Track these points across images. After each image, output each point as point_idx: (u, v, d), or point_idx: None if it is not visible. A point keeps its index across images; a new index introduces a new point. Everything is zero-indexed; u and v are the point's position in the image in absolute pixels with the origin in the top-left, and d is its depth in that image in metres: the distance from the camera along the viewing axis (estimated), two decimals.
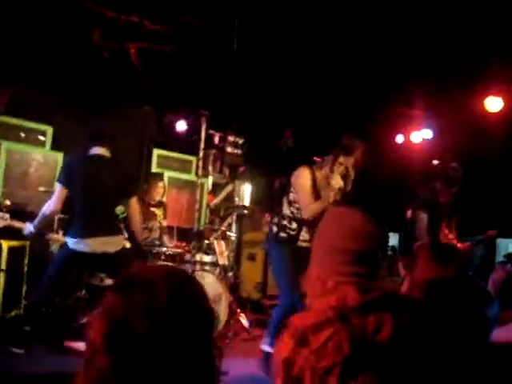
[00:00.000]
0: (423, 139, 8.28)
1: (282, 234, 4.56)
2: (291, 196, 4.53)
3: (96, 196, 4.41)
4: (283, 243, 4.53)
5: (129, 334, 1.11)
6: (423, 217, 5.49)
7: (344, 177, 4.39)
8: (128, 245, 4.89)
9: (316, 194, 4.41)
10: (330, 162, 4.44)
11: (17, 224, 4.64)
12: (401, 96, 7.44)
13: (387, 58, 6.49)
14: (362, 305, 1.55)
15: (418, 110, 8.08)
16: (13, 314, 5.05)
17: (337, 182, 4.35)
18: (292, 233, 4.53)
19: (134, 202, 4.66)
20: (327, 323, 1.50)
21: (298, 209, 4.50)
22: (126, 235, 5.00)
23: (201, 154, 3.63)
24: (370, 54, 6.41)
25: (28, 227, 4.52)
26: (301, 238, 4.54)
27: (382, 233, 1.82)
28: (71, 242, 4.38)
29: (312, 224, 4.30)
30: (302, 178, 4.44)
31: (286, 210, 4.58)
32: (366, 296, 1.57)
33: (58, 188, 4.41)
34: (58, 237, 4.91)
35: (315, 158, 7.70)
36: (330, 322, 1.50)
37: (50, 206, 4.39)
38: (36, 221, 4.47)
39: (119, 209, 5.04)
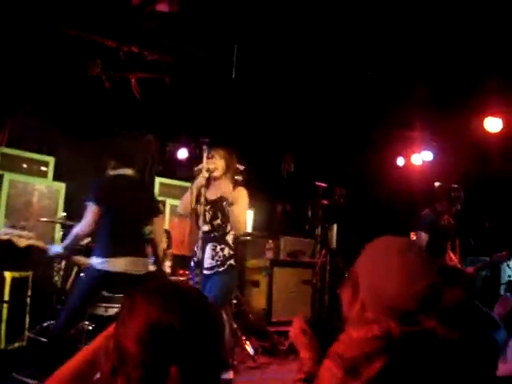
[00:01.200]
0: (423, 161, 8.30)
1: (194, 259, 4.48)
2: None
3: (126, 215, 4.37)
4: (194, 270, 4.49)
5: (165, 336, 1.15)
6: (424, 237, 5.53)
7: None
8: (152, 268, 4.86)
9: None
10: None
11: (41, 244, 4.54)
12: (400, 119, 7.47)
13: (384, 81, 6.54)
14: (404, 337, 1.52)
15: (417, 132, 8.11)
16: (16, 345, 5.02)
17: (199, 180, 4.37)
18: (196, 258, 4.45)
19: (159, 220, 4.80)
20: (377, 354, 1.47)
21: (198, 224, 4.37)
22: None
23: (203, 181, 3.75)
24: (367, 77, 6.46)
25: (54, 248, 4.48)
26: (204, 264, 4.40)
27: None
28: (98, 262, 4.27)
29: (217, 241, 4.46)
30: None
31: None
32: (408, 328, 1.53)
33: (90, 208, 4.31)
34: (81, 259, 4.77)
35: (317, 184, 7.74)
36: (379, 353, 1.48)
37: (82, 226, 4.31)
38: (67, 242, 4.40)
39: (148, 228, 5.02)
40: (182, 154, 7.92)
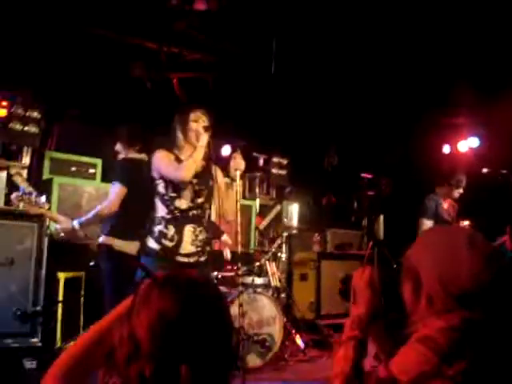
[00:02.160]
0: (470, 148, 8.13)
1: (154, 245, 3.54)
2: (159, 187, 3.61)
3: (144, 199, 4.14)
4: (154, 258, 3.50)
5: (176, 328, 1.15)
6: (427, 224, 5.62)
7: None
8: None
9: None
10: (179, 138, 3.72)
11: (53, 215, 4.46)
12: (445, 105, 7.34)
13: (429, 68, 6.43)
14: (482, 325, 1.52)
15: (463, 119, 7.96)
16: (71, 344, 5.15)
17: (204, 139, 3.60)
18: (168, 244, 3.53)
19: None
20: (462, 346, 1.48)
21: (172, 198, 3.56)
22: None
23: (239, 180, 3.56)
24: (412, 64, 6.37)
25: (71, 222, 4.22)
26: (182, 250, 3.55)
27: None
28: (119, 244, 4.25)
29: (198, 222, 3.59)
30: (161, 154, 3.65)
31: (160, 211, 3.59)
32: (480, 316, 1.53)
33: (116, 188, 4.22)
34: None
35: (362, 175, 7.67)
36: (464, 345, 1.48)
37: (108, 206, 4.20)
38: (85, 218, 4.24)
39: None
40: (226, 150, 7.97)
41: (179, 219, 3.55)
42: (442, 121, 7.98)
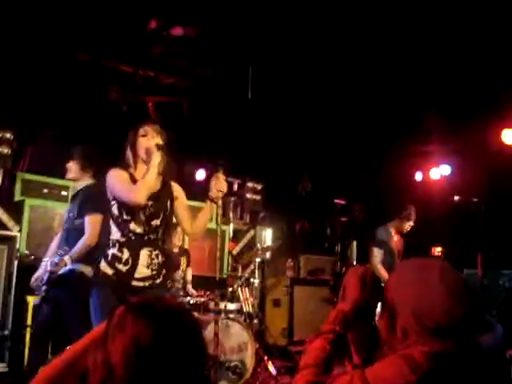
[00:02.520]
0: (442, 175, 8.25)
1: (108, 270, 3.29)
2: (113, 208, 3.35)
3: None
4: (107, 283, 3.27)
5: (150, 354, 1.15)
6: (376, 252, 5.86)
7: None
8: None
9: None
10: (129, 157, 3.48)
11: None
12: (417, 133, 7.47)
13: (402, 96, 6.55)
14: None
15: (435, 146, 8.09)
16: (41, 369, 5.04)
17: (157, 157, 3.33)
18: (122, 268, 3.29)
19: None
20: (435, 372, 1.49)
21: (126, 221, 3.32)
22: None
23: (220, 201, 3.46)
24: (383, 94, 6.48)
25: (57, 258, 4.16)
26: (136, 274, 3.31)
27: None
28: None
29: (154, 246, 3.38)
30: (115, 173, 3.39)
31: (115, 233, 3.34)
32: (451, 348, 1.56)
33: (96, 218, 4.14)
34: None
35: (336, 201, 7.73)
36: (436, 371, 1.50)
37: (92, 238, 4.11)
38: (75, 254, 4.12)
39: None
40: (200, 174, 7.97)
41: (134, 243, 3.33)
42: (413, 148, 8.11)
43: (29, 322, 5.19)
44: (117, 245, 3.31)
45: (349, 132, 7.43)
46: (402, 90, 6.38)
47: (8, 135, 5.72)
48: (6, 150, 5.71)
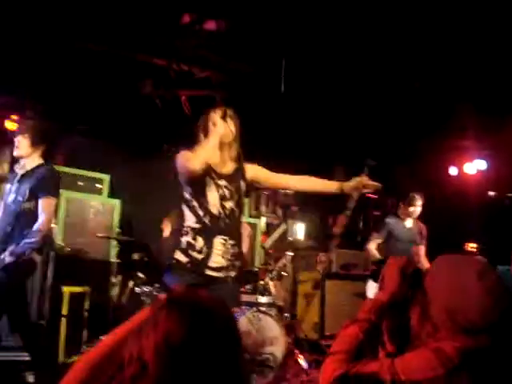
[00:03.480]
0: (477, 170, 8.13)
1: (182, 258, 3.23)
2: (185, 193, 3.30)
3: None
4: (182, 272, 3.21)
5: (181, 352, 1.13)
6: (375, 236, 6.08)
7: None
8: None
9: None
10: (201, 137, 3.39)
11: None
12: (452, 128, 7.36)
13: (436, 91, 6.46)
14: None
15: (470, 141, 7.97)
16: (74, 359, 5.15)
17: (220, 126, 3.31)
18: (197, 256, 3.22)
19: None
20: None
21: (200, 203, 3.23)
22: None
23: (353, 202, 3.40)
24: (419, 87, 6.41)
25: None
26: (211, 263, 3.23)
27: None
28: None
29: (229, 234, 3.27)
30: (180, 154, 3.34)
31: (189, 220, 3.26)
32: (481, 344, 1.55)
33: (51, 202, 4.02)
34: None
35: (369, 195, 7.68)
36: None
37: (47, 223, 4.00)
38: (33, 243, 3.91)
39: None
40: None
41: (209, 228, 3.23)
42: (448, 143, 8.00)
43: (64, 311, 5.30)
44: (191, 232, 3.23)
45: (382, 125, 7.36)
46: (437, 84, 6.30)
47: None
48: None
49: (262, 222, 7.79)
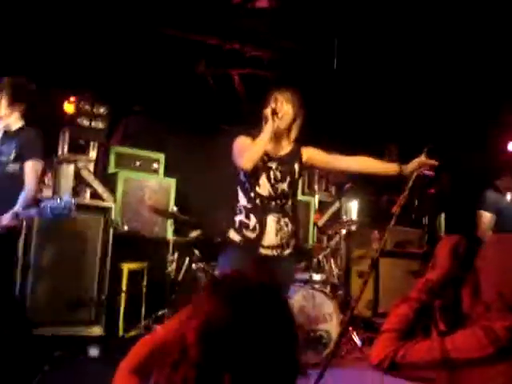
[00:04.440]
0: None
1: (236, 237, 3.31)
2: (240, 175, 3.35)
3: None
4: (236, 250, 3.28)
5: (221, 335, 1.08)
6: (487, 218, 5.23)
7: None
8: None
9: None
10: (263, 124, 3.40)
11: None
12: (509, 102, 7.14)
13: (497, 66, 6.28)
14: None
15: None
16: (133, 333, 5.32)
17: (269, 124, 3.31)
18: (250, 235, 3.28)
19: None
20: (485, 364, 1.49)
21: (252, 185, 3.29)
22: None
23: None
24: (479, 64, 6.24)
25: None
26: (264, 242, 3.28)
27: None
28: None
29: (282, 212, 3.31)
30: (237, 140, 3.42)
31: (242, 200, 3.34)
32: None
33: (38, 165, 3.82)
34: None
35: (423, 172, 7.53)
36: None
37: (35, 188, 3.79)
38: (20, 208, 3.65)
39: None
40: None
41: (260, 208, 3.27)
42: (505, 118, 7.77)
43: (124, 287, 5.47)
44: (244, 211, 3.29)
45: (436, 102, 7.21)
46: (499, 60, 6.11)
47: (102, 110, 5.94)
48: (100, 125, 5.94)
49: (316, 199, 7.78)
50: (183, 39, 6.16)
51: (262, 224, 3.25)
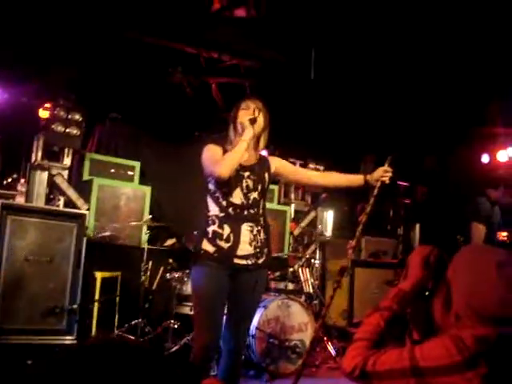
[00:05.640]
0: (510, 158, 7.99)
1: (209, 247, 3.21)
2: (210, 184, 3.29)
3: None
4: (210, 261, 3.18)
5: None
6: (479, 227, 5.24)
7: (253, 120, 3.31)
8: None
9: None
10: (231, 132, 3.43)
11: None
12: (484, 115, 7.26)
13: (468, 79, 6.37)
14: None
15: (502, 129, 7.84)
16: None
17: (248, 132, 3.28)
18: (224, 245, 3.20)
19: None
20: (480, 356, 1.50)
21: (224, 194, 3.22)
22: None
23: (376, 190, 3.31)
24: (450, 73, 6.32)
25: None
26: (239, 252, 3.22)
27: None
28: None
29: (255, 221, 3.28)
30: (207, 147, 3.33)
31: (213, 209, 3.27)
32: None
33: None
34: None
35: (398, 182, 7.61)
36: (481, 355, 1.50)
37: None
38: None
39: None
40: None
41: (234, 217, 3.21)
42: (480, 130, 7.89)
43: (97, 296, 5.41)
44: (217, 221, 3.22)
45: (412, 114, 7.29)
46: (469, 73, 6.20)
47: (77, 117, 5.89)
48: (75, 131, 5.89)
49: (292, 209, 7.80)
50: (160, 47, 6.15)
51: (236, 233, 3.20)
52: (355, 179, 3.58)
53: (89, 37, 5.77)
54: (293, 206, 7.90)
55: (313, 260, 6.66)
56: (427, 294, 1.73)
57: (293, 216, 7.81)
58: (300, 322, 5.32)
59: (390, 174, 3.45)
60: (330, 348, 5.77)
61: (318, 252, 7.10)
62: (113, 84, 6.35)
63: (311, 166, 8.13)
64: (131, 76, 6.32)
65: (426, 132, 7.71)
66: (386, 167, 3.47)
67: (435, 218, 8.21)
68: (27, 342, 4.86)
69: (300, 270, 6.21)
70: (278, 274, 5.95)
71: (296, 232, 7.82)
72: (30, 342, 4.89)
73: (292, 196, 8.13)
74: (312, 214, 8.16)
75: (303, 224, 8.08)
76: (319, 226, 7.75)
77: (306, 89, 6.47)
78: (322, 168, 8.24)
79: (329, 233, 7.70)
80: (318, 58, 5.96)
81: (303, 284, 6.12)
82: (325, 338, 5.84)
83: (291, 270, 6.10)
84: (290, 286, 5.84)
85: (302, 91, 6.61)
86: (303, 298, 5.94)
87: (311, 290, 6.26)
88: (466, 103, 6.86)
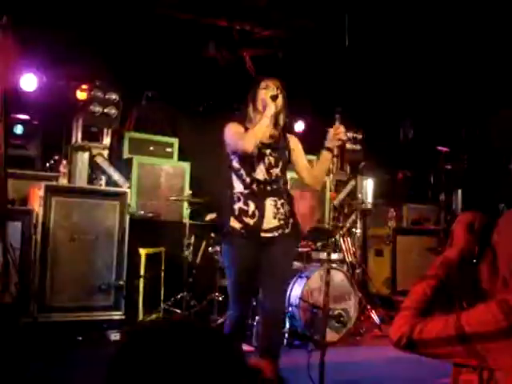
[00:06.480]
0: None
1: (236, 225, 3.36)
2: (234, 162, 3.42)
3: None
4: (238, 238, 3.35)
5: None
6: None
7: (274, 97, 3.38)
8: None
9: None
10: (250, 110, 3.50)
11: None
12: None
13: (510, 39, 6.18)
14: None
15: None
16: (153, 316, 5.38)
17: (270, 108, 3.36)
18: (250, 221, 3.35)
19: None
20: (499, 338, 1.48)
21: (248, 171, 3.36)
22: None
23: (336, 150, 3.32)
24: (492, 34, 6.14)
25: None
26: (264, 226, 3.37)
27: None
28: None
29: (278, 196, 3.39)
30: (230, 126, 3.47)
31: (237, 186, 3.41)
32: None
33: None
34: None
35: (439, 149, 7.48)
36: None
37: None
38: None
39: None
40: (299, 126, 7.96)
41: (258, 193, 3.35)
42: None
43: (142, 272, 5.51)
44: (242, 198, 3.36)
45: (454, 77, 7.12)
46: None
47: (114, 97, 5.94)
48: (112, 111, 5.94)
49: (331, 179, 7.76)
50: (193, 22, 6.13)
51: (261, 209, 3.34)
52: (322, 157, 3.65)
53: (123, 17, 5.79)
54: (332, 176, 7.85)
55: (354, 229, 6.64)
56: (474, 261, 1.71)
57: (332, 186, 7.76)
58: (343, 292, 5.34)
59: (342, 129, 3.53)
60: (374, 316, 5.78)
61: (358, 221, 7.07)
62: (147, 62, 6.37)
63: (349, 134, 8.05)
64: (165, 53, 6.33)
65: (467, 95, 7.53)
66: (336, 125, 3.54)
67: (477, 183, 8.05)
68: (77, 319, 5.01)
69: (341, 239, 6.20)
70: (319, 244, 5.95)
71: (336, 202, 7.78)
72: (80, 318, 5.03)
73: (331, 166, 8.08)
74: (352, 183, 8.10)
75: (343, 193, 8.03)
76: (359, 195, 7.70)
77: (341, 56, 6.37)
78: (360, 136, 8.14)
79: (369, 201, 7.64)
80: (351, 25, 5.85)
81: (345, 253, 6.11)
82: (368, 307, 5.85)
83: (332, 239, 6.10)
84: (333, 256, 5.84)
85: (336, 59, 6.51)
86: (346, 267, 5.94)
87: (353, 259, 6.26)
88: (509, 65, 6.66)
